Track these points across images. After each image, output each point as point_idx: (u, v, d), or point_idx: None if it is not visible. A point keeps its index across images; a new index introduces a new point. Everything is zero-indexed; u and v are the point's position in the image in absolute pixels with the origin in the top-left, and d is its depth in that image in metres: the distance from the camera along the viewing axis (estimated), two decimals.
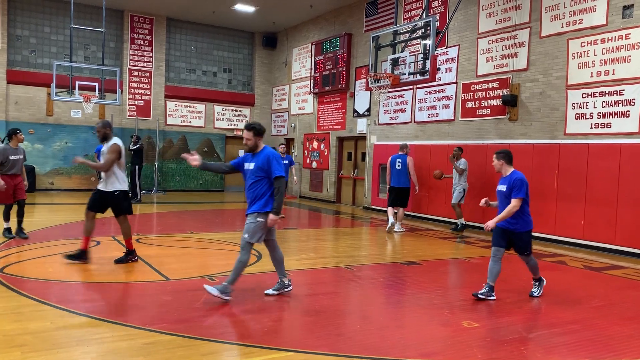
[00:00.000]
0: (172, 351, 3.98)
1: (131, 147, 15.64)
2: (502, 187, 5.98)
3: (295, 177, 13.28)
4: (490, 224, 5.87)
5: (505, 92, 11.51)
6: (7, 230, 8.60)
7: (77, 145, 17.85)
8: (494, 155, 6.09)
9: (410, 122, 14.17)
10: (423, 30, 10.39)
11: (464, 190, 11.59)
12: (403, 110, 14.44)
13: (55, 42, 17.71)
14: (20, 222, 8.66)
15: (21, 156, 8.66)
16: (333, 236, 10.74)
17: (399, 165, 11.15)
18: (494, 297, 5.84)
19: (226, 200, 17.19)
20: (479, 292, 5.88)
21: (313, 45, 18.19)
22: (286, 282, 5.84)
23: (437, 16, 12.60)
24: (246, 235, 5.38)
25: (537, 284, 6.25)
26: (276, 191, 5.39)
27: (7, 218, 8.60)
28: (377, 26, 15.35)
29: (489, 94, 11.94)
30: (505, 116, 11.56)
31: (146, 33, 18.78)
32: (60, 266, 6.77)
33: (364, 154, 16.25)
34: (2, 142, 7.69)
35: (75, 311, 4.85)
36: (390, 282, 6.66)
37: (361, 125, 16.06)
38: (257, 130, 5.70)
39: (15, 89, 17.04)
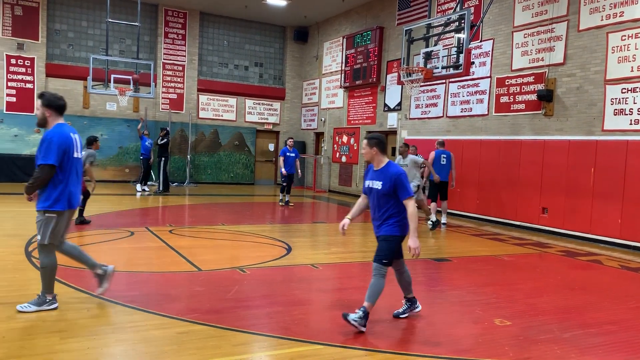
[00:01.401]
0: (204, 341, 4.04)
1: (159, 142, 15.81)
2: (376, 184, 4.65)
3: (299, 170, 14.15)
4: (413, 245, 4.59)
5: (540, 86, 11.27)
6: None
7: (112, 137, 18.22)
8: (365, 142, 4.77)
9: (443, 116, 14.00)
10: (457, 23, 10.23)
11: (418, 186, 10.73)
12: (435, 105, 14.28)
13: (92, 36, 18.08)
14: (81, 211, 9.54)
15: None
16: (362, 230, 10.72)
17: (443, 161, 11.28)
18: (364, 329, 4.44)
19: (256, 194, 17.33)
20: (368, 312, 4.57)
21: (344, 39, 18.13)
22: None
23: (472, 9, 12.37)
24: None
25: (408, 304, 4.98)
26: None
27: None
28: (410, 19, 15.19)
29: (523, 88, 11.71)
30: (540, 111, 11.31)
31: (180, 27, 19.01)
32: (95, 255, 6.93)
33: (394, 149, 16.14)
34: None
35: (110, 299, 4.96)
36: (421, 279, 6.60)
37: (392, 120, 15.95)
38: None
39: (54, 82, 17.47)
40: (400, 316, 4.93)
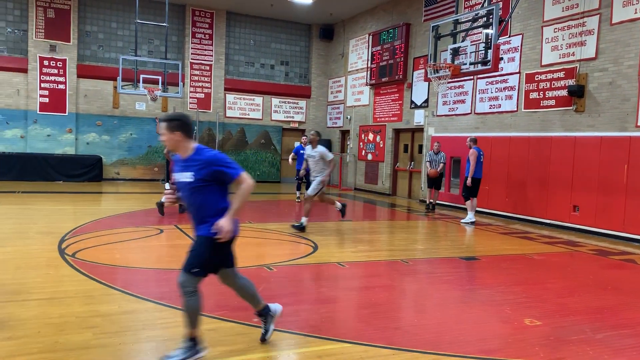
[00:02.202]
0: (232, 338, 4.08)
1: None
2: (185, 177, 3.58)
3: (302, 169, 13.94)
4: (222, 224, 3.51)
5: (571, 82, 11.03)
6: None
7: (141, 136, 18.54)
8: (164, 125, 3.58)
9: (471, 113, 13.84)
10: (485, 18, 10.09)
11: (322, 182, 9.64)
12: (463, 101, 14.12)
13: (121, 37, 18.42)
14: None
15: None
16: (388, 229, 10.68)
17: (482, 158, 11.46)
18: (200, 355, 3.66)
19: (282, 192, 17.41)
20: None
21: (370, 36, 18.05)
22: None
23: (500, 4, 12.20)
24: None
25: (263, 320, 4.10)
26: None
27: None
28: (437, 15, 15.04)
29: (554, 84, 11.48)
30: (571, 107, 11.08)
31: (207, 27, 19.20)
32: (126, 253, 7.07)
33: (420, 146, 16.03)
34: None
35: (140, 296, 5.05)
36: (448, 277, 6.55)
37: (418, 117, 15.83)
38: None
39: (85, 83, 17.86)
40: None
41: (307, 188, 13.94)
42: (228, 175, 3.52)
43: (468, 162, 11.47)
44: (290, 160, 13.77)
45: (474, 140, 11.54)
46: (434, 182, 13.47)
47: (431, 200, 13.58)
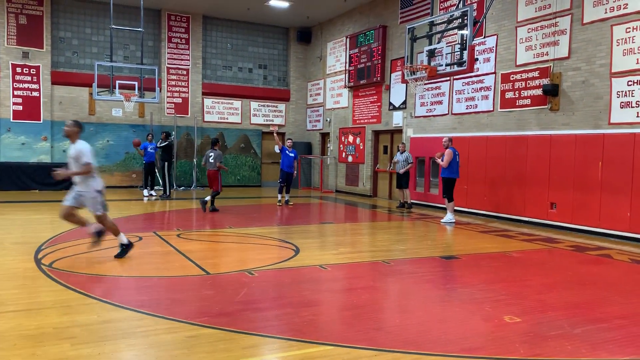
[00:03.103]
0: (214, 344, 4.05)
1: (159, 144, 15.66)
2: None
3: (294, 172, 14.44)
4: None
5: (546, 81, 11.22)
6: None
7: (119, 143, 18.31)
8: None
9: (448, 114, 13.97)
10: (460, 20, 10.21)
11: (100, 192, 7.41)
12: (440, 102, 14.25)
13: (96, 43, 18.19)
14: (212, 202, 12.41)
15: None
16: (370, 230, 10.71)
17: (457, 158, 11.59)
18: None
19: (263, 195, 17.35)
20: None
21: (348, 39, 18.13)
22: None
23: (475, 5, 12.36)
24: None
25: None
26: None
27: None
28: (413, 17, 15.17)
29: (529, 83, 11.66)
30: (546, 106, 11.26)
31: (183, 31, 19.08)
32: (105, 261, 6.97)
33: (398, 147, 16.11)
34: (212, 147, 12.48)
35: (120, 304, 4.99)
36: (430, 277, 6.60)
37: (397, 118, 15.93)
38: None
39: (59, 90, 17.59)
40: None
41: (287, 191, 14.16)
42: None
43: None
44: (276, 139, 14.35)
45: (451, 140, 11.67)
46: (401, 182, 14.09)
47: (406, 200, 14.11)
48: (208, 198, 12.46)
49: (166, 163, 15.58)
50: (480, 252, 8.28)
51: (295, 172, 14.71)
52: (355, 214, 13.65)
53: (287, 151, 14.00)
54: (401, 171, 13.98)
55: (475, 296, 5.63)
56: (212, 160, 12.41)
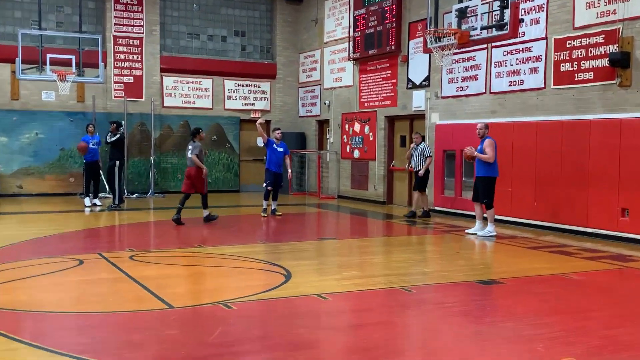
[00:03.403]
0: None
1: (109, 139, 15.39)
2: None
3: (290, 170, 14.55)
4: None
5: (613, 48, 11.23)
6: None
7: (51, 136, 18.29)
8: None
9: (485, 93, 13.99)
10: None
11: None
12: (474, 78, 14.26)
13: (19, 5, 18.18)
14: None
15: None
16: (384, 248, 10.70)
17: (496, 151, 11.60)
18: None
19: (243, 204, 17.36)
20: None
21: None
22: None
23: None
24: None
25: None
26: None
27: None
28: None
29: (591, 52, 11.68)
30: (614, 81, 11.28)
31: None
32: (35, 292, 6.95)
33: (422, 138, 16.12)
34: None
35: (55, 350, 4.97)
36: (463, 308, 6.59)
37: (418, 100, 15.94)
38: None
39: None
40: None
41: (275, 198, 14.06)
42: None
43: (476, 160, 11.45)
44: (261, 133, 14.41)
45: (487, 128, 11.62)
46: (419, 183, 14.18)
47: (422, 207, 14.27)
48: (207, 213, 12.91)
49: (117, 163, 15.33)
50: (530, 275, 8.26)
51: (290, 171, 14.76)
52: (364, 226, 13.65)
53: (274, 145, 14.01)
54: (420, 172, 14.06)
55: (524, 333, 5.63)
56: (190, 155, 12.68)
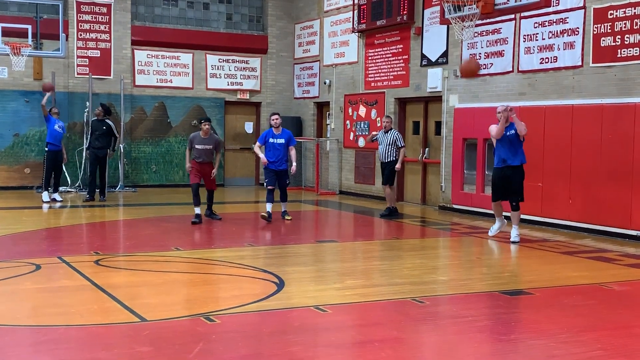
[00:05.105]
0: None
1: (99, 130, 16.29)
2: None
3: (294, 164, 13.44)
4: None
5: None
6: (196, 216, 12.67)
7: (3, 120, 18.26)
8: None
9: (512, 71, 13.98)
10: None
11: None
12: (500, 54, 14.25)
13: None
14: (210, 206, 13.28)
15: (210, 146, 13.02)
16: (392, 252, 10.70)
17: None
18: None
19: (227, 200, 17.36)
20: None
21: None
22: None
23: None
24: None
25: None
26: None
27: (196, 202, 12.66)
28: None
29: (637, 24, 11.68)
30: None
31: None
32: None
33: (439, 124, 16.13)
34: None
35: None
36: (485, 322, 6.61)
37: (434, 80, 15.93)
38: None
39: None
40: None
41: (284, 199, 13.60)
42: None
43: (505, 144, 11.15)
44: (257, 151, 13.62)
45: (511, 110, 11.18)
46: (389, 176, 14.31)
47: (391, 205, 14.41)
48: (198, 210, 12.80)
49: (108, 152, 16.40)
50: (563, 285, 8.27)
51: (294, 165, 13.44)
52: (369, 227, 13.65)
53: (272, 136, 13.27)
54: (397, 166, 14.17)
55: (555, 352, 5.65)
56: (212, 146, 13.07)
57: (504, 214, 11.32)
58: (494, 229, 11.43)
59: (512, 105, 12.21)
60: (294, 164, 13.45)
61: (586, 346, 5.85)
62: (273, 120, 13.44)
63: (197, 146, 12.98)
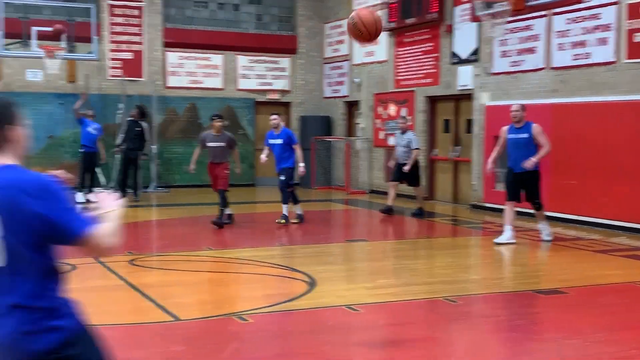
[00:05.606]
0: None
1: (134, 129, 16.52)
2: None
3: (301, 164, 13.01)
4: None
5: None
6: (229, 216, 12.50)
7: (39, 122, 18.40)
8: None
9: (544, 68, 13.88)
10: None
11: None
12: (532, 51, 14.15)
13: None
14: (221, 210, 12.32)
15: (223, 144, 12.43)
16: (424, 252, 10.69)
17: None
18: None
19: (259, 199, 17.43)
20: None
21: None
22: None
23: None
24: None
25: None
26: None
27: (223, 204, 12.27)
28: None
29: None
30: None
31: None
32: None
33: (470, 122, 16.07)
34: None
35: None
36: (518, 322, 6.58)
37: (465, 77, 15.87)
38: None
39: None
40: None
41: (295, 200, 13.41)
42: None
43: (526, 143, 10.96)
44: (263, 157, 13.14)
45: (524, 109, 10.99)
46: (411, 178, 14.27)
47: (420, 207, 14.24)
48: (229, 211, 12.61)
49: (138, 154, 16.62)
50: (597, 283, 8.22)
51: (301, 165, 12.99)
52: (400, 226, 13.62)
53: (272, 137, 12.99)
54: (406, 167, 13.90)
55: (590, 351, 5.60)
56: (225, 144, 12.57)
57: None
58: (502, 238, 10.79)
59: (522, 102, 11.86)
60: (301, 164, 13.03)
61: (620, 345, 5.80)
62: (271, 120, 13.16)
63: (209, 144, 12.55)
